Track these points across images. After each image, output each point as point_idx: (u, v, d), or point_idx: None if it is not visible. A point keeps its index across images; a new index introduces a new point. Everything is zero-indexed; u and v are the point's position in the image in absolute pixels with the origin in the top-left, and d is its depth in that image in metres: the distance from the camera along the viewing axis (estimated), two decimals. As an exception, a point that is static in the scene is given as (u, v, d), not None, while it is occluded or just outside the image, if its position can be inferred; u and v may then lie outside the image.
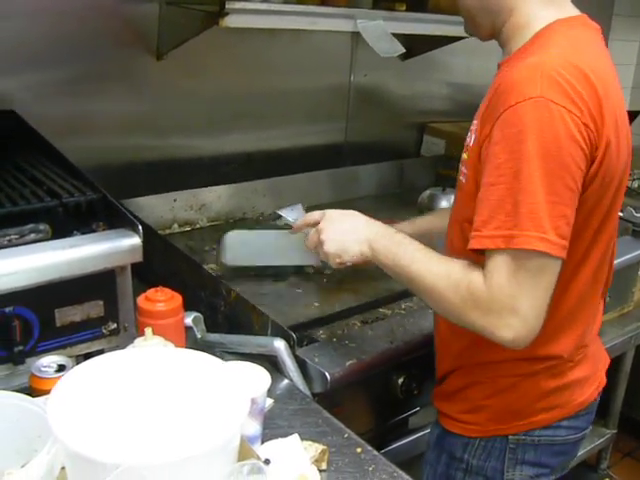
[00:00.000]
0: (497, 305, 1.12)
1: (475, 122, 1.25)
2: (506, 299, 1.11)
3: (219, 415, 0.93)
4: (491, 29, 1.30)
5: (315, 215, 1.44)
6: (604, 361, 1.51)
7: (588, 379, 1.40)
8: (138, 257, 1.28)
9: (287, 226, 1.73)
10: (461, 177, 1.30)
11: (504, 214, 1.10)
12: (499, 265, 1.11)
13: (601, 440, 2.66)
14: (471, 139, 1.25)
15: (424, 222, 1.70)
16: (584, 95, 1.11)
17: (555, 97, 1.09)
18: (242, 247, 1.78)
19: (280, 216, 1.74)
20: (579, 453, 2.43)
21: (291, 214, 1.66)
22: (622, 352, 2.50)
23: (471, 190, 1.23)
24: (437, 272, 1.21)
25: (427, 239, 1.61)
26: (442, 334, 1.42)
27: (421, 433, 1.72)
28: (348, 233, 1.35)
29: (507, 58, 1.26)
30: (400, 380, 1.61)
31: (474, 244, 1.14)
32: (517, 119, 1.10)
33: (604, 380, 1.48)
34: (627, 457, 3.06)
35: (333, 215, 1.40)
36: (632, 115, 3.38)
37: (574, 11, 1.27)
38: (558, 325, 1.28)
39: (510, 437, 1.34)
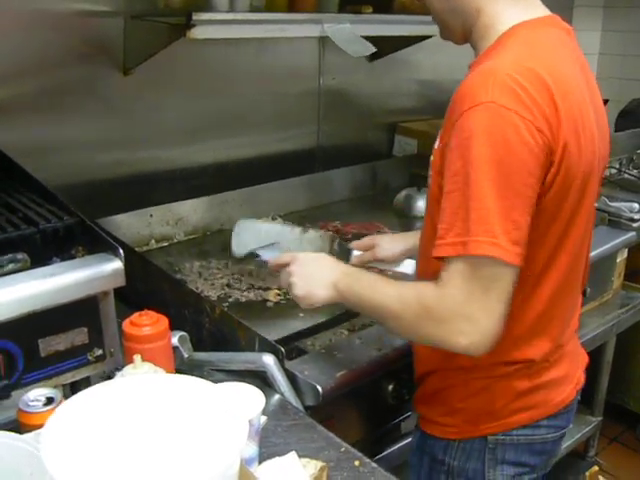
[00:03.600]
0: (448, 313, 1.12)
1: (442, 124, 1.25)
2: (457, 306, 1.12)
3: (218, 441, 0.91)
4: (462, 31, 1.29)
5: (286, 257, 1.45)
6: (582, 359, 1.50)
7: (566, 378, 1.40)
8: (121, 281, 1.26)
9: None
10: (429, 179, 1.29)
11: (460, 221, 1.10)
12: (452, 274, 1.12)
13: (588, 428, 2.69)
14: (437, 142, 1.25)
15: None
16: (538, 99, 1.10)
17: (507, 102, 1.08)
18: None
19: (258, 255, 1.75)
20: (567, 444, 2.47)
21: (268, 254, 1.67)
22: (604, 341, 2.53)
23: (435, 192, 1.24)
24: (392, 295, 1.22)
25: None
26: None
27: (412, 437, 1.72)
28: (314, 278, 1.36)
29: (476, 60, 1.26)
30: (390, 386, 1.60)
31: (436, 252, 1.15)
32: (468, 125, 1.10)
33: (582, 378, 1.47)
34: (614, 442, 3.09)
35: (302, 259, 1.41)
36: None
37: (543, 11, 1.25)
38: (528, 330, 1.28)
39: (488, 437, 1.34)
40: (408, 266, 1.69)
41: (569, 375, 1.41)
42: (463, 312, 1.11)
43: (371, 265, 1.72)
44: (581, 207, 1.24)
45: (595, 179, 1.27)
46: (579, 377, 1.46)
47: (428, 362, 1.41)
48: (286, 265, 1.42)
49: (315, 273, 1.37)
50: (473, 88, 1.12)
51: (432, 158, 1.27)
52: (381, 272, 1.66)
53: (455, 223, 1.11)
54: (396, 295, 1.22)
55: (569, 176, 1.17)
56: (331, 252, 1.80)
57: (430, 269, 1.29)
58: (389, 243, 1.70)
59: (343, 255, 1.74)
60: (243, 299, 1.81)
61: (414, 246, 1.65)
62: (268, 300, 1.80)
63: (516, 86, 1.09)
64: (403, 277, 1.67)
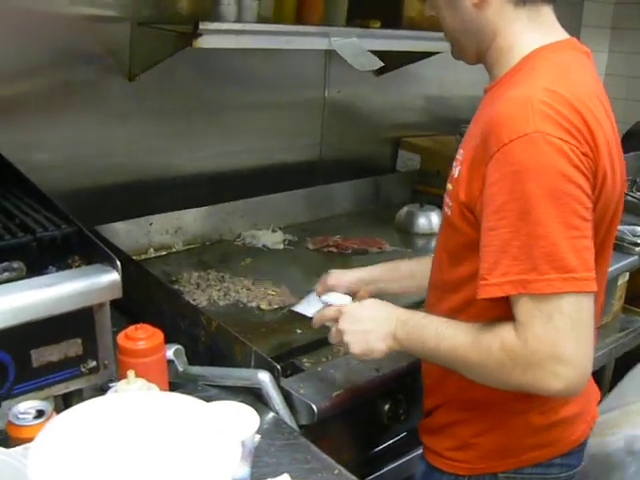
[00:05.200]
0: (536, 357, 1.06)
1: (461, 152, 1.22)
2: (546, 348, 1.05)
3: (209, 462, 0.89)
4: (476, 52, 1.27)
5: (332, 312, 1.37)
6: (595, 395, 1.46)
7: (580, 415, 1.35)
8: (117, 293, 1.24)
9: None
10: (446, 209, 1.25)
11: (510, 259, 1.06)
12: (530, 315, 1.06)
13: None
14: (456, 170, 1.21)
15: (407, 268, 1.62)
16: (578, 125, 1.07)
17: (551, 130, 1.05)
18: None
19: (297, 313, 1.67)
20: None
21: (308, 309, 1.57)
22: (603, 365, 2.50)
23: (457, 224, 1.21)
24: (465, 344, 1.15)
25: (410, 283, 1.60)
26: (435, 368, 1.35)
27: (407, 458, 1.70)
28: (370, 332, 1.28)
29: (493, 83, 1.23)
30: (386, 407, 1.58)
31: (481, 293, 1.10)
32: (513, 158, 1.05)
33: (597, 415, 1.44)
34: (608, 467, 3.06)
35: (350, 312, 1.33)
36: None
37: (562, 34, 1.23)
38: None
39: (500, 475, 1.30)
40: (342, 299, 1.53)
41: (584, 412, 1.37)
42: (554, 353, 1.05)
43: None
44: (609, 235, 1.23)
45: (620, 211, 1.26)
46: (593, 414, 1.42)
47: (439, 394, 1.37)
48: (333, 320, 1.35)
49: (369, 327, 1.28)
50: (511, 118, 1.07)
51: (449, 187, 1.23)
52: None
53: (501, 262, 1.07)
54: (470, 342, 1.14)
55: (605, 204, 1.15)
56: None
57: (445, 301, 1.28)
58: (340, 272, 1.59)
59: None
60: (241, 313, 1.79)
61: (364, 278, 1.58)
62: (261, 308, 1.81)
63: (555, 114, 1.06)
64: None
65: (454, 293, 1.26)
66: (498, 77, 1.22)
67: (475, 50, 1.26)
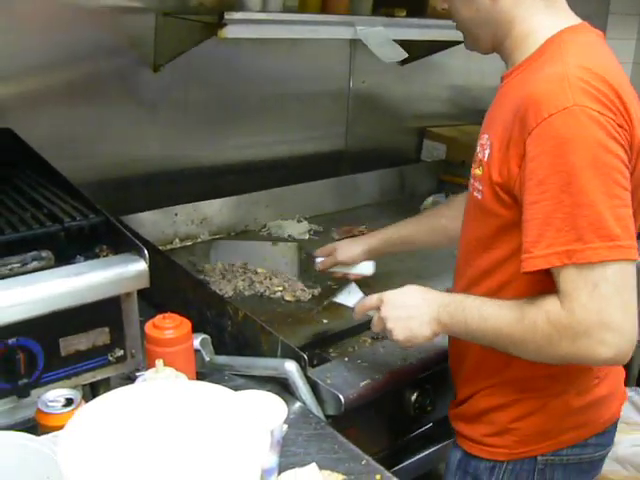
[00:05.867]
0: (584, 326, 1.06)
1: (485, 136, 1.23)
2: (592, 316, 1.06)
3: (238, 452, 0.89)
4: (492, 42, 1.28)
5: (373, 300, 1.36)
6: (621, 373, 1.46)
7: (611, 395, 1.37)
8: (145, 283, 1.24)
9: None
10: (475, 193, 1.26)
11: (554, 230, 1.07)
12: (575, 284, 1.07)
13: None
14: (484, 154, 1.21)
15: (406, 231, 1.73)
16: (613, 99, 1.09)
17: (589, 103, 1.07)
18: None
19: (337, 303, 1.63)
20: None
21: (349, 299, 1.56)
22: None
23: (490, 206, 1.21)
24: (509, 321, 1.15)
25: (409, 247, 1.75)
26: (470, 355, 1.36)
27: (433, 449, 1.69)
28: (413, 318, 1.28)
29: (512, 69, 1.24)
30: (413, 397, 1.57)
31: (526, 267, 1.11)
32: (554, 131, 1.07)
33: (626, 394, 1.45)
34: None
35: (392, 299, 1.32)
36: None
37: (576, 19, 1.25)
38: None
39: (539, 458, 1.31)
40: (366, 267, 1.74)
41: (615, 391, 1.39)
42: (601, 321, 1.05)
43: (333, 270, 1.76)
44: (637, 215, 1.22)
45: None
46: (623, 392, 1.43)
47: (476, 381, 1.36)
48: (374, 308, 1.36)
49: (412, 312, 1.28)
50: (549, 94, 1.09)
51: (477, 172, 1.24)
52: (344, 275, 1.76)
53: (545, 234, 1.08)
54: (514, 318, 1.15)
55: (637, 179, 1.16)
56: (300, 259, 1.93)
57: (477, 287, 1.28)
58: (347, 245, 1.74)
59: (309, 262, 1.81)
60: (266, 303, 1.79)
61: (372, 247, 1.72)
62: (285, 300, 1.81)
63: (591, 88, 1.08)
64: (362, 279, 1.75)
65: (487, 278, 1.27)
66: (516, 64, 1.23)
67: (491, 40, 1.27)
